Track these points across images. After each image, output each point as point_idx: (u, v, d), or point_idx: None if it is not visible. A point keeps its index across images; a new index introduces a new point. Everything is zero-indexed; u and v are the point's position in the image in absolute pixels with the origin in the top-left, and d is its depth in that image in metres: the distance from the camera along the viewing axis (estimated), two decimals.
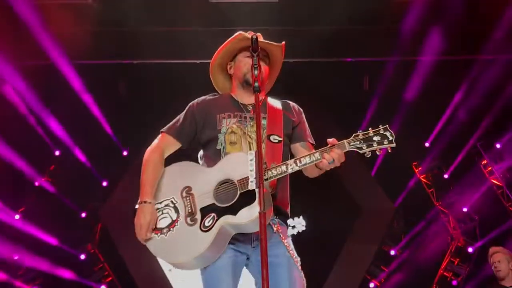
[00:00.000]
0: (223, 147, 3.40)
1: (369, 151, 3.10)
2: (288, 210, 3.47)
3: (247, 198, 3.09)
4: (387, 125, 3.10)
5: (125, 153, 10.33)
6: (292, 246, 3.34)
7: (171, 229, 3.21)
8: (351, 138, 3.12)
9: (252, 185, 2.96)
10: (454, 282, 10.25)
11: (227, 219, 3.11)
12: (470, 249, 10.22)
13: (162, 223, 3.24)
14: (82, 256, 10.00)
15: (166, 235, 3.20)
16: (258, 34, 3.50)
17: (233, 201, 3.13)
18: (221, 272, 3.24)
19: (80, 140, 9.66)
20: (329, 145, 3.11)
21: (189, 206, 3.24)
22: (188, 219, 3.20)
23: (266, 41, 3.55)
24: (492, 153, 10.25)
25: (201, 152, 3.61)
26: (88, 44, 8.16)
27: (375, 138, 3.09)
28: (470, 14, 8.10)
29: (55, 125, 9.26)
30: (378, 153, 3.12)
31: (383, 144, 3.08)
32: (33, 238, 9.30)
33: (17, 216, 9.49)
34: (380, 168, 10.16)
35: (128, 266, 10.07)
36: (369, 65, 9.34)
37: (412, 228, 10.32)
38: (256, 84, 3.02)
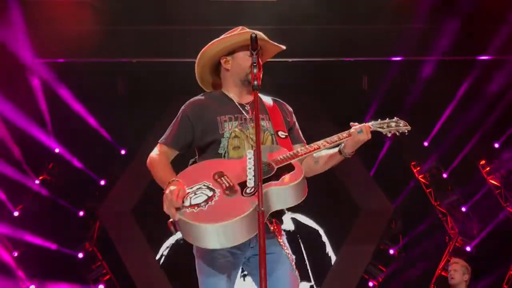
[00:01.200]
0: (226, 152, 3.33)
1: (389, 131, 3.44)
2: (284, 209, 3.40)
3: (285, 169, 3.13)
4: (399, 118, 3.54)
5: (123, 152, 10.33)
6: (287, 245, 3.32)
7: (209, 202, 2.99)
8: (371, 122, 3.43)
9: (250, 183, 2.93)
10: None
11: (270, 184, 3.02)
12: (468, 248, 10.23)
13: (198, 200, 3.01)
14: (80, 255, 10.00)
15: (204, 208, 2.97)
16: (258, 32, 3.48)
17: (272, 174, 3.07)
18: (217, 273, 3.22)
19: (78, 139, 9.64)
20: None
21: (225, 182, 3.08)
22: (227, 191, 3.03)
23: (273, 42, 3.52)
24: (490, 153, 10.26)
25: (192, 160, 3.51)
26: (87, 42, 8.14)
27: (392, 124, 3.47)
28: (471, 14, 8.12)
29: (54, 123, 9.26)
30: (398, 134, 3.48)
31: (400, 127, 3.46)
32: (31, 236, 9.30)
33: (15, 214, 9.49)
34: (379, 168, 10.17)
35: (126, 264, 10.07)
36: (368, 65, 9.33)
37: (410, 228, 10.33)
38: (255, 82, 3.02)
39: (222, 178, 3.10)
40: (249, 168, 2.95)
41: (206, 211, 2.94)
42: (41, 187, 9.79)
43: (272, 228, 3.23)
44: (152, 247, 9.95)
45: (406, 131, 3.47)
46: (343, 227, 10.54)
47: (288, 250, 3.28)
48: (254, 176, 2.88)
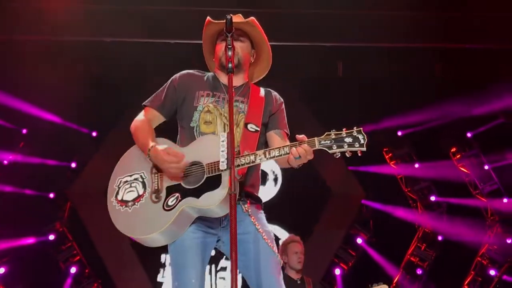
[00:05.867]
0: (197, 125, 3.40)
1: (339, 152, 3.07)
2: (258, 194, 3.49)
3: (212, 182, 3.10)
4: (361, 128, 3.08)
5: (94, 134, 10.22)
6: (263, 222, 3.37)
7: (136, 203, 3.23)
8: (322, 137, 3.09)
9: (223, 165, 2.99)
10: (419, 269, 10.42)
11: (189, 201, 3.12)
12: (439, 238, 10.41)
13: (129, 196, 3.27)
14: (51, 237, 9.89)
15: (130, 209, 3.23)
16: (238, 15, 3.48)
17: (199, 184, 3.13)
18: (188, 253, 3.25)
19: (49, 120, 9.50)
20: (299, 141, 3.10)
21: (156, 183, 3.24)
22: (153, 195, 3.21)
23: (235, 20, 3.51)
24: (461, 141, 10.40)
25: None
26: (61, 20, 7.99)
27: (347, 140, 3.06)
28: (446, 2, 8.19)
29: (22, 103, 9.11)
30: (347, 155, 3.08)
31: (354, 147, 3.05)
32: (1, 217, 9.17)
33: None
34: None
35: (96, 245, 10.04)
36: (343, 51, 9.31)
37: (380, 214, 10.43)
38: (230, 65, 3.04)
39: (156, 175, 3.25)
40: (222, 151, 2.99)
41: (130, 214, 3.21)
42: (12, 167, 9.64)
43: (245, 209, 3.30)
44: None
45: (358, 151, 3.07)
46: (315, 210, 10.59)
47: (263, 228, 3.31)
48: (227, 159, 2.95)
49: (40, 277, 9.54)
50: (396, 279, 10.28)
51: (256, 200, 3.45)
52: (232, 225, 2.69)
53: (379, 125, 9.58)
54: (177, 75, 3.61)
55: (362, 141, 3.06)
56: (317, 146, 3.08)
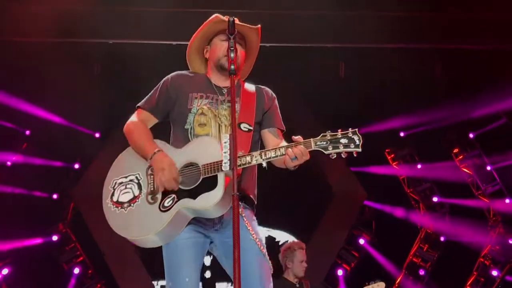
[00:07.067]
0: (191, 127, 3.38)
1: (334, 153, 3.07)
2: (253, 197, 3.46)
3: (209, 183, 3.10)
4: (356, 129, 3.07)
5: (97, 135, 10.24)
6: (256, 230, 3.34)
7: (132, 204, 3.23)
8: (318, 138, 3.09)
9: (225, 167, 2.98)
10: (421, 270, 10.43)
11: (186, 202, 3.12)
12: (442, 238, 10.42)
13: (124, 197, 3.26)
14: (55, 238, 9.93)
15: (125, 210, 3.22)
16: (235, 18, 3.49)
17: (195, 185, 3.13)
18: (181, 253, 3.26)
19: (52, 121, 9.53)
20: (295, 142, 3.10)
21: (152, 184, 3.24)
22: (149, 197, 3.21)
23: (242, 23, 3.50)
24: (464, 142, 10.41)
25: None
26: (64, 22, 8.02)
27: (342, 141, 3.06)
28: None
29: (25, 104, 9.14)
30: (343, 156, 3.09)
31: (349, 148, 3.05)
32: (5, 218, 9.19)
33: None
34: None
35: (99, 245, 10.06)
36: (345, 52, 9.31)
37: (383, 214, 10.45)
38: (232, 66, 3.03)
39: (152, 176, 3.25)
40: (225, 152, 2.99)
41: (125, 215, 3.21)
42: (15, 168, 9.67)
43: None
44: None
45: (354, 152, 3.06)
46: (317, 211, 10.60)
47: (256, 235, 3.29)
48: (230, 160, 2.95)
49: (43, 278, 9.57)
50: (398, 279, 10.30)
51: (250, 205, 3.44)
52: (235, 225, 2.69)
53: (381, 126, 9.58)
54: (169, 76, 3.58)
55: (357, 142, 3.06)
56: (313, 147, 3.08)
